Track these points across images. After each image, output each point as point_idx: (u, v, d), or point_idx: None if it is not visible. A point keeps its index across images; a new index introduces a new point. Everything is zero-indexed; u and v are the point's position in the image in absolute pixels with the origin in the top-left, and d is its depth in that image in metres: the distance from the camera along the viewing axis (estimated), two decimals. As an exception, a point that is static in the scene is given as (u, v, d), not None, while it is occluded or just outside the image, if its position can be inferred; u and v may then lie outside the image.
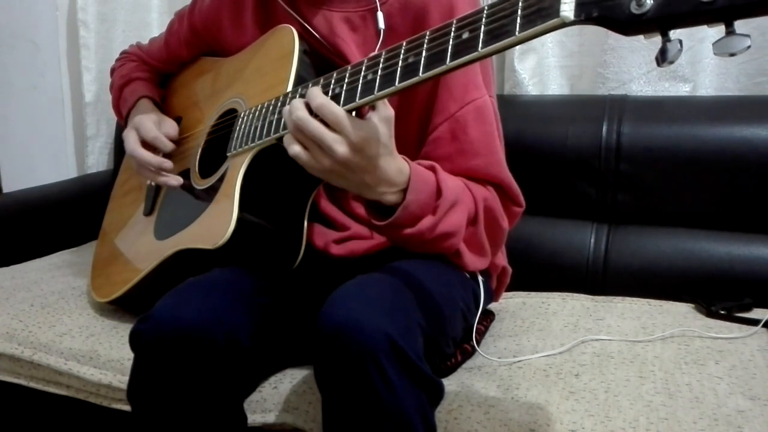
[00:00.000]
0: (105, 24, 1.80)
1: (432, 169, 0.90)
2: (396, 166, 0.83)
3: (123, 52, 1.34)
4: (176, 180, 1.06)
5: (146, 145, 1.11)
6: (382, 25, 0.96)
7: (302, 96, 0.84)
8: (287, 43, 0.96)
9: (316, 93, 0.78)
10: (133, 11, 1.84)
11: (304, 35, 0.99)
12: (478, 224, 0.94)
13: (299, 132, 0.78)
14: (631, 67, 1.45)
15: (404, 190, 0.85)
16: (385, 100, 0.79)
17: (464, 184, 0.93)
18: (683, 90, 1.44)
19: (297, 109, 0.78)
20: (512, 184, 0.99)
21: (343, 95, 0.79)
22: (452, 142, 0.96)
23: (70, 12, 1.82)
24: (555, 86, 1.56)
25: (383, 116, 0.79)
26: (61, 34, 1.85)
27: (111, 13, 1.80)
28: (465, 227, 0.91)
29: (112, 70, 1.32)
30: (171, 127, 1.13)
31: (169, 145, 1.11)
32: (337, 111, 0.77)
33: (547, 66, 1.54)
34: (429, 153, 0.97)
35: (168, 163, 1.08)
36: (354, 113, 0.80)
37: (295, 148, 0.80)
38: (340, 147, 0.77)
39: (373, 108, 0.79)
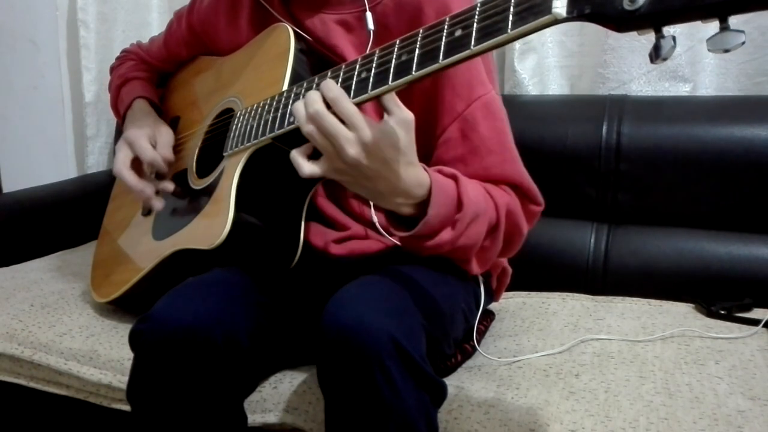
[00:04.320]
0: (105, 24, 1.80)
1: (453, 178, 0.87)
2: (415, 177, 0.80)
3: (123, 51, 1.33)
4: (160, 203, 1.06)
5: (138, 161, 1.09)
6: (371, 26, 0.96)
7: (297, 96, 0.84)
8: (283, 42, 0.96)
9: (331, 85, 0.75)
10: (133, 11, 1.84)
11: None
12: (498, 233, 0.91)
13: (314, 127, 0.75)
14: (631, 67, 1.45)
15: (422, 203, 0.82)
16: (399, 103, 0.76)
17: (486, 192, 0.90)
18: (683, 90, 1.44)
19: (314, 102, 0.75)
20: (530, 183, 0.97)
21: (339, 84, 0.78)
22: (463, 143, 0.93)
23: (70, 12, 1.82)
24: (555, 86, 1.56)
25: (400, 119, 0.75)
26: (61, 34, 1.85)
27: (111, 13, 1.81)
28: (484, 239, 0.90)
29: (111, 69, 1.32)
30: (166, 145, 1.10)
31: (165, 168, 1.09)
32: (351, 107, 0.74)
33: (547, 66, 1.54)
34: (441, 156, 0.95)
35: (149, 191, 1.05)
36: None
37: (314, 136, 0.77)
38: (352, 148, 0.74)
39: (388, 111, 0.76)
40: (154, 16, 1.87)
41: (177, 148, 1.15)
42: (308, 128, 0.76)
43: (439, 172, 0.87)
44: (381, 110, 0.91)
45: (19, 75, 1.88)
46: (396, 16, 0.96)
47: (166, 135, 1.12)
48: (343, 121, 0.74)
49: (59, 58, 1.86)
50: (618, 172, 1.34)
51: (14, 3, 1.84)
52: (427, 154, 0.95)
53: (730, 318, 1.15)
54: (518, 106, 1.48)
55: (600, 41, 1.46)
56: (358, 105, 0.77)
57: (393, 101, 0.75)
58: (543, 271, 1.36)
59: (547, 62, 1.54)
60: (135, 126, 1.13)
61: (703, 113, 1.33)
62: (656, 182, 1.32)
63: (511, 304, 1.25)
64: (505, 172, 0.94)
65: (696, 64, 1.42)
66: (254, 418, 0.95)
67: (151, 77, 1.28)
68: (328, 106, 0.75)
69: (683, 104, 1.39)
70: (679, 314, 1.18)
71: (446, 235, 0.84)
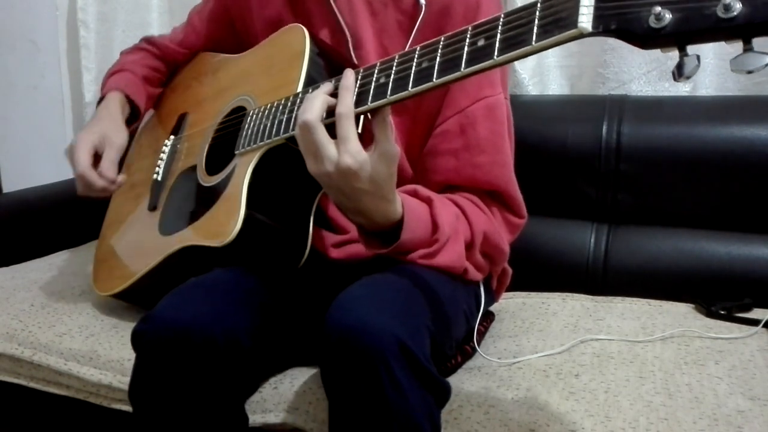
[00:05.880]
0: (105, 24, 1.80)
1: (428, 201, 0.90)
2: (383, 212, 0.82)
3: (144, 39, 1.28)
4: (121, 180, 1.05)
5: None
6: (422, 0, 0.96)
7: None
8: (298, 43, 0.96)
9: (347, 101, 0.77)
10: (133, 11, 1.84)
11: (319, 28, 0.99)
12: (474, 250, 0.94)
13: (301, 133, 0.79)
14: (631, 67, 1.45)
15: (391, 230, 0.84)
16: (390, 135, 0.77)
17: (461, 213, 0.93)
18: (683, 90, 1.44)
19: (308, 111, 0.78)
20: (515, 193, 0.99)
21: (354, 98, 0.79)
22: (460, 137, 0.95)
23: (70, 12, 1.82)
24: (555, 86, 1.56)
25: (385, 151, 0.77)
26: (61, 34, 1.85)
27: (111, 13, 1.80)
28: (464, 254, 0.93)
29: (121, 53, 1.28)
30: (110, 162, 1.06)
31: (98, 184, 1.04)
32: (351, 130, 0.76)
33: (547, 66, 1.54)
34: (436, 146, 0.97)
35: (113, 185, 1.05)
36: (361, 121, 0.80)
37: None
38: (329, 165, 0.77)
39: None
40: (154, 16, 1.87)
41: (186, 143, 1.15)
42: (296, 131, 0.80)
43: (415, 193, 0.90)
44: (411, 106, 0.93)
45: (19, 75, 1.88)
46: (425, 8, 0.96)
47: (114, 149, 1.08)
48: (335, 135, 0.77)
49: (59, 58, 1.86)
50: (618, 172, 1.34)
51: (14, 3, 1.84)
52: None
53: (730, 318, 1.15)
54: (518, 106, 1.47)
55: (600, 41, 1.46)
56: (374, 110, 0.77)
57: (385, 131, 0.77)
58: (543, 271, 1.36)
59: (547, 62, 1.54)
60: (89, 126, 1.11)
61: (703, 113, 1.33)
62: (656, 182, 1.32)
63: (511, 305, 1.25)
64: (492, 176, 0.96)
65: (696, 65, 1.42)
66: (255, 419, 0.95)
67: (151, 76, 1.24)
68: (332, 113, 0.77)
69: (683, 104, 1.39)
70: (679, 314, 1.18)
71: (421, 253, 0.89)
